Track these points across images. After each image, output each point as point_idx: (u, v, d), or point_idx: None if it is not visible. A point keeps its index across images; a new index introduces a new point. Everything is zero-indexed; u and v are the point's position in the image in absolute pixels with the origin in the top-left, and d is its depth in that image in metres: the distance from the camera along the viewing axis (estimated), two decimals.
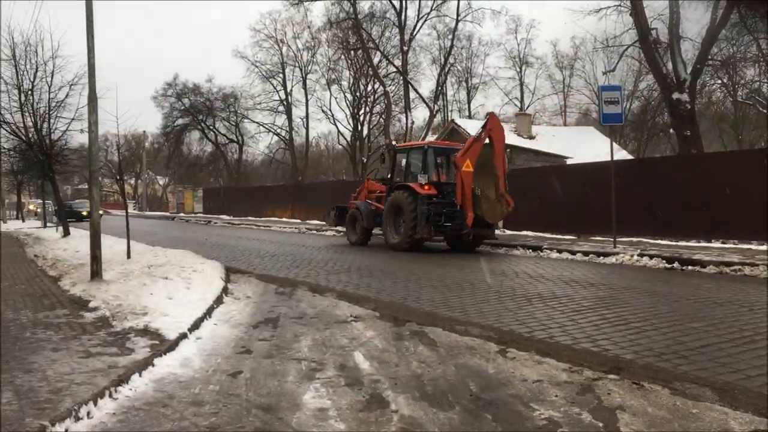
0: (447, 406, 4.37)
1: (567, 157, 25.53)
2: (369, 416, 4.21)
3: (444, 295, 9.08)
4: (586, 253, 13.89)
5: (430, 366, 5.37)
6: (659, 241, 15.65)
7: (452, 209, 15.86)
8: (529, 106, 56.08)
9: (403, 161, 17.64)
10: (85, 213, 37.67)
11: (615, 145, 17.67)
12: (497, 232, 17.84)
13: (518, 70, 57.04)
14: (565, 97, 55.80)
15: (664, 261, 12.34)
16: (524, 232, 19.88)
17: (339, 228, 21.71)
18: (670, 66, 22.50)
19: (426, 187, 16.07)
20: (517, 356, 5.60)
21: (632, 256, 13.03)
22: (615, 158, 15.41)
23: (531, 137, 35.70)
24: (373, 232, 18.50)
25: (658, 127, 38.41)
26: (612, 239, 14.88)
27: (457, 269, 12.02)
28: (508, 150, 23.09)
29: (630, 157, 32.59)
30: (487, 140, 16.06)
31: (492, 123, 16.35)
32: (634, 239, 16.04)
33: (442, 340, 6.29)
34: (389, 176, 18.18)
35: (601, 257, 13.47)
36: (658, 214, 16.76)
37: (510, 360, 5.50)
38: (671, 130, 28.12)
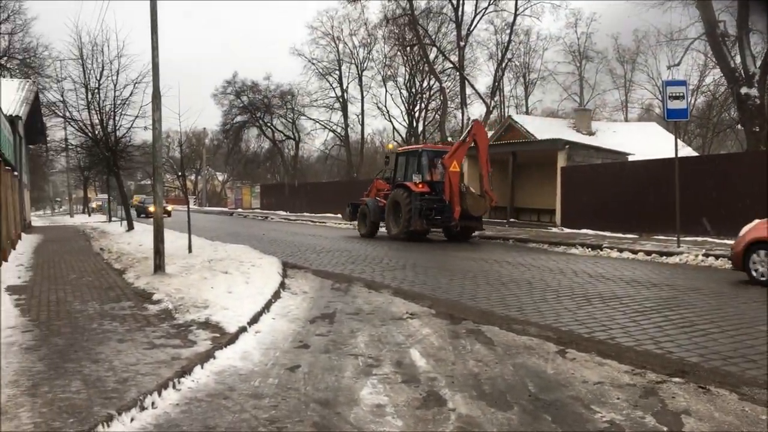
0: (505, 406, 4.32)
1: (628, 154, 24.82)
2: (426, 414, 4.21)
3: (500, 293, 8.98)
4: (648, 253, 13.52)
5: (487, 365, 5.33)
6: (725, 241, 15.09)
7: (442, 204, 18.08)
8: (588, 101, 54.89)
9: (403, 163, 19.93)
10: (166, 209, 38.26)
11: (679, 142, 17.14)
12: (560, 230, 17.74)
13: (578, 64, 55.82)
14: (627, 92, 54.46)
15: (731, 261, 11.89)
16: (583, 231, 19.48)
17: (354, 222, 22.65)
18: (738, 59, 21.66)
19: (420, 186, 18.32)
20: (577, 357, 5.50)
21: (697, 256, 12.62)
22: (679, 155, 14.95)
23: (590, 133, 34.94)
24: (380, 225, 20.55)
25: (724, 123, 37.02)
26: (675, 238, 14.45)
27: (513, 267, 11.88)
28: (568, 145, 22.71)
29: (695, 153, 31.57)
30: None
31: (476, 128, 18.88)
32: (699, 239, 15.54)
33: (499, 339, 6.23)
34: (392, 176, 20.38)
35: (664, 257, 13.09)
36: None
37: (570, 361, 5.40)
38: (739, 126, 27.09)
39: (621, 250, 14.18)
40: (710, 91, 35.41)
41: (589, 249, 15.02)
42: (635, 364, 5.24)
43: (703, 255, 12.56)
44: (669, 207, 14.98)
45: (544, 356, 5.57)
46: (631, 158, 24.06)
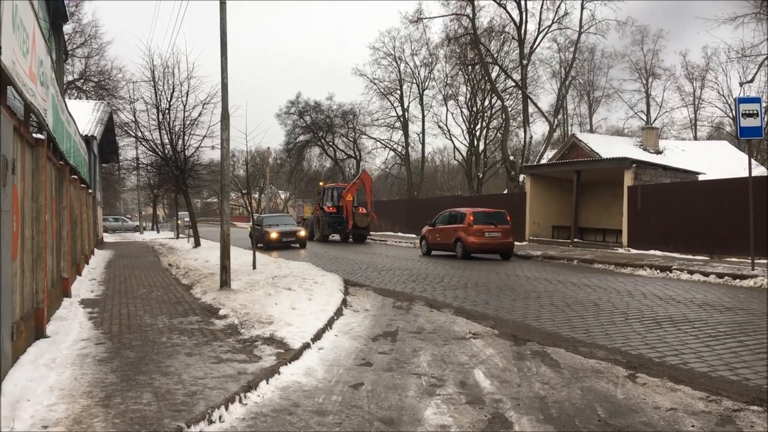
0: (574, 431, 4.20)
1: (699, 173, 24.04)
2: None
3: (566, 314, 8.79)
4: (720, 275, 13.01)
5: (554, 388, 5.21)
6: None
7: (341, 220, 30.20)
8: (656, 119, 53.65)
9: (325, 194, 32.66)
10: (303, 233, 27.33)
11: (753, 161, 16.50)
12: (626, 251, 17.22)
13: (644, 82, 54.75)
14: (696, 110, 52.93)
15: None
16: (651, 252, 18.91)
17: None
18: None
19: (330, 208, 31.15)
20: (648, 382, 5.32)
21: None
22: (753, 174, 14.38)
23: (658, 152, 34.10)
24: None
25: None
26: (749, 261, 13.87)
27: (578, 288, 11.62)
28: (635, 164, 22.20)
29: None
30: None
31: (363, 175, 31.57)
32: None
33: (565, 361, 6.09)
34: (321, 202, 32.68)
35: (737, 280, 12.56)
36: None
37: (640, 386, 5.23)
38: None
39: (691, 272, 13.68)
40: None
41: (658, 270, 14.56)
42: (710, 390, 5.04)
43: None
44: (742, 228, 14.39)
45: (614, 380, 5.41)
46: (701, 177, 23.30)
